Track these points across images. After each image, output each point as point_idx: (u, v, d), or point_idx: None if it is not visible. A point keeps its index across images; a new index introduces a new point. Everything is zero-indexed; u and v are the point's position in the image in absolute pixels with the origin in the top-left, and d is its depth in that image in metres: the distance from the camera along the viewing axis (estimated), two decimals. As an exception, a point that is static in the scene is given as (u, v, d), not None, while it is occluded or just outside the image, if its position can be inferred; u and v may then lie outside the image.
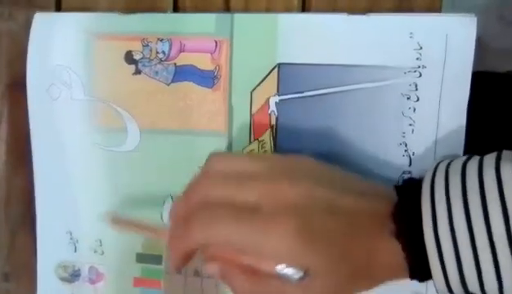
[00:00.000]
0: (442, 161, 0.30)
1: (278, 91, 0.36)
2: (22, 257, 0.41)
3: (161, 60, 0.37)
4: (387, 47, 0.34)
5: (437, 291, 0.29)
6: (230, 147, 0.37)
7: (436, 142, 0.34)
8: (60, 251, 0.40)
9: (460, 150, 0.33)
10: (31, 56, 0.39)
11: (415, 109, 0.34)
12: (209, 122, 0.37)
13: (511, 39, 0.42)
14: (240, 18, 0.36)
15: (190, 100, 0.37)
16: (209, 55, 0.37)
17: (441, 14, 0.34)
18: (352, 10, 0.35)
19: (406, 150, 0.34)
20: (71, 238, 0.40)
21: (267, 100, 0.36)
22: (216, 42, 0.36)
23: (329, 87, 0.35)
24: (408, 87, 0.34)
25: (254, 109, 0.36)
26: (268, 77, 0.36)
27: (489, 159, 0.28)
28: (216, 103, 0.37)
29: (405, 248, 0.28)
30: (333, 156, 0.35)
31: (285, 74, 0.36)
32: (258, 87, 0.36)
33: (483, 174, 0.27)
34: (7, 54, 0.41)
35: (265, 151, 0.36)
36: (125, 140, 0.38)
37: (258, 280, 0.29)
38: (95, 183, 0.39)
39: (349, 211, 0.29)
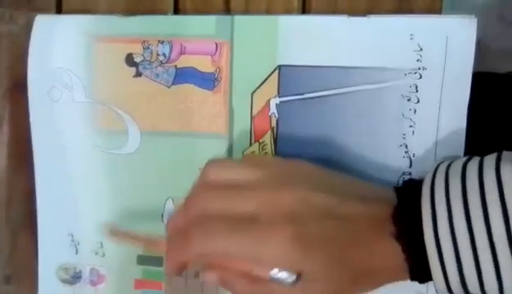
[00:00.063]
0: (442, 162, 0.31)
1: (278, 92, 0.36)
2: (23, 259, 0.41)
3: (162, 63, 0.37)
4: (387, 49, 0.34)
5: (437, 292, 0.29)
6: (230, 149, 0.37)
7: (436, 143, 0.34)
8: (62, 253, 0.40)
9: (461, 151, 0.34)
10: (32, 59, 0.39)
11: (415, 111, 0.34)
12: (210, 125, 0.37)
13: (511, 40, 0.42)
14: (241, 20, 0.36)
15: (191, 102, 0.37)
16: (210, 57, 0.37)
17: (441, 15, 0.34)
18: (353, 11, 0.35)
19: (406, 152, 0.34)
20: (72, 240, 0.40)
21: (268, 102, 0.36)
22: (216, 44, 0.36)
23: (329, 89, 0.35)
24: (408, 89, 0.34)
25: (255, 111, 0.36)
26: (269, 79, 0.36)
27: (489, 160, 0.28)
28: (216, 105, 0.37)
29: (405, 250, 0.28)
30: (333, 157, 0.35)
31: (286, 76, 0.36)
32: (259, 89, 0.36)
33: (483, 175, 0.27)
34: (8, 56, 0.41)
35: (265, 153, 0.36)
36: (126, 143, 0.38)
37: (258, 282, 0.30)
38: (96, 185, 0.39)
39: (348, 217, 0.29)
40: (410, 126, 0.34)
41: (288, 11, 0.37)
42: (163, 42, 0.37)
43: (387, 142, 0.35)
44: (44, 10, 0.40)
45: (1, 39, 0.41)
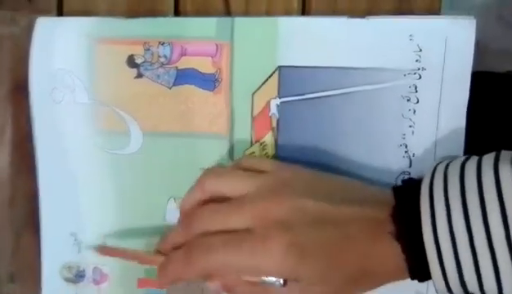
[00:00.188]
0: (440, 162, 0.31)
1: (279, 93, 0.36)
2: (27, 258, 0.42)
3: (163, 64, 0.37)
4: (387, 50, 0.34)
5: (436, 291, 0.29)
6: (231, 149, 0.37)
7: (436, 143, 0.34)
8: (65, 253, 0.40)
9: (460, 151, 0.34)
10: (33, 60, 0.39)
11: (415, 111, 0.34)
12: (211, 125, 0.37)
13: (510, 40, 0.42)
14: (241, 21, 0.36)
15: (192, 103, 0.37)
16: (210, 58, 0.37)
17: (440, 16, 0.35)
18: (352, 12, 0.35)
19: (406, 152, 0.35)
20: (75, 240, 0.40)
21: (268, 103, 0.36)
22: (217, 46, 0.37)
23: (329, 90, 0.35)
24: (408, 89, 0.34)
25: (255, 112, 0.37)
26: (269, 79, 0.36)
27: (487, 159, 0.28)
28: (217, 106, 0.37)
29: (404, 249, 0.29)
30: (333, 158, 0.35)
31: (286, 77, 0.36)
32: (259, 90, 0.36)
33: (482, 174, 0.27)
34: (10, 58, 0.41)
35: (266, 153, 0.37)
36: (128, 143, 0.39)
37: (257, 284, 0.30)
38: (98, 185, 0.39)
39: (343, 221, 0.29)
40: (410, 127, 0.34)
41: (288, 13, 0.37)
42: (164, 43, 0.37)
43: (386, 142, 0.35)
44: (45, 11, 0.40)
45: (2, 41, 0.41)
